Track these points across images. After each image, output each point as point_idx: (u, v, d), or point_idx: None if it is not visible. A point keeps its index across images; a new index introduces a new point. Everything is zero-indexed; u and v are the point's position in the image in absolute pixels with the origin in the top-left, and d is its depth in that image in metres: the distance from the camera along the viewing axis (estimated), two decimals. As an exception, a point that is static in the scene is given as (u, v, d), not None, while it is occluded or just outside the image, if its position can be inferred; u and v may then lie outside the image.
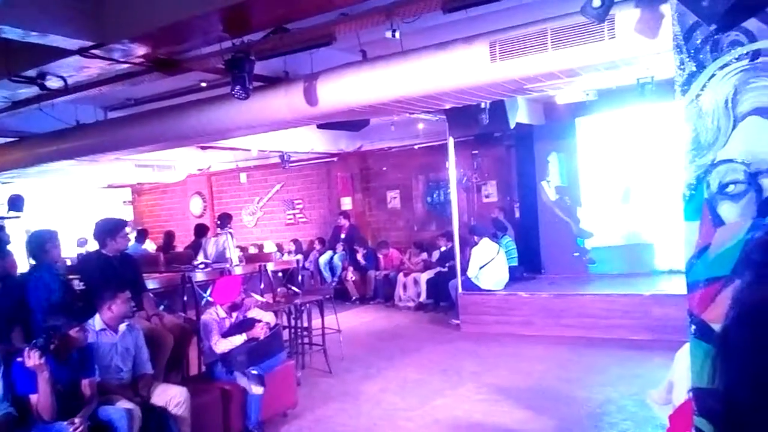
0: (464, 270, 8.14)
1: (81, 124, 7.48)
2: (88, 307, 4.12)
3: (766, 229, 2.67)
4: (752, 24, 2.86)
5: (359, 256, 10.90)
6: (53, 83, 5.17)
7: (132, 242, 9.90)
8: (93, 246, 5.27)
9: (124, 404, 3.70)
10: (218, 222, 8.85)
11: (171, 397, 3.97)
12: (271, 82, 5.94)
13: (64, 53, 4.41)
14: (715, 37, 2.95)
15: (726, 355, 0.53)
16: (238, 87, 4.80)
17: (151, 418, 3.78)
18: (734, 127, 3.02)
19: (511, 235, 9.16)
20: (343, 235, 11.34)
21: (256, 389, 4.53)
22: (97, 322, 4.01)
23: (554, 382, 5.58)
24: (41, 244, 4.67)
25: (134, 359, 4.10)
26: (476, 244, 8.22)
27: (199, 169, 12.70)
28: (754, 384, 0.47)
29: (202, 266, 7.91)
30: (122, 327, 4.07)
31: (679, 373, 3.07)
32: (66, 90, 5.30)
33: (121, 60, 4.58)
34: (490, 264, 8.04)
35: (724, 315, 2.38)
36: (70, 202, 13.17)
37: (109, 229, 4.90)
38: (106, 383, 3.85)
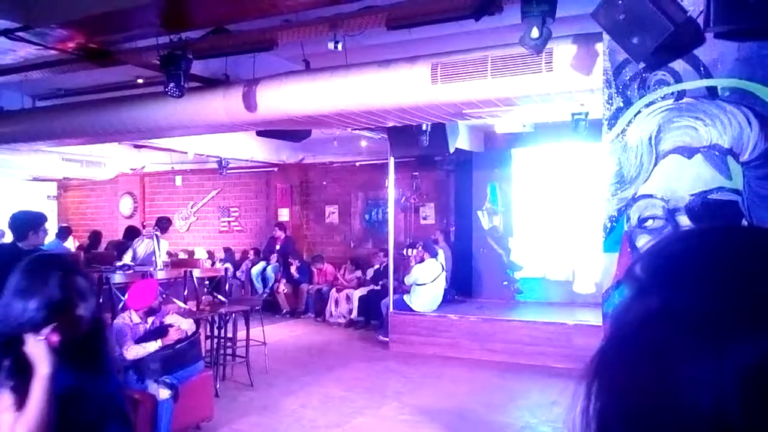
0: (397, 288, 8.09)
1: (5, 110, 7.09)
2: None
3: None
4: (679, 65, 2.97)
5: (293, 269, 10.71)
6: (-26, 64, 4.88)
7: (52, 239, 9.42)
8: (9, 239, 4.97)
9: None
10: (157, 226, 8.57)
11: (72, 403, 3.73)
12: (210, 83, 5.79)
13: (-12, 33, 4.16)
14: (643, 75, 3.06)
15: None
16: (172, 85, 4.65)
17: (49, 426, 3.54)
18: (656, 164, 3.12)
19: (447, 257, 9.20)
20: (278, 247, 11.14)
21: (163, 393, 4.33)
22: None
23: (476, 405, 5.60)
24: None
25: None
26: (422, 261, 8.19)
27: (132, 169, 12.24)
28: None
29: (125, 268, 7.58)
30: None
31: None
32: (-12, 72, 5.01)
33: (50, 46, 4.35)
34: (430, 284, 8.02)
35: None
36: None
37: (32, 222, 4.65)
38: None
